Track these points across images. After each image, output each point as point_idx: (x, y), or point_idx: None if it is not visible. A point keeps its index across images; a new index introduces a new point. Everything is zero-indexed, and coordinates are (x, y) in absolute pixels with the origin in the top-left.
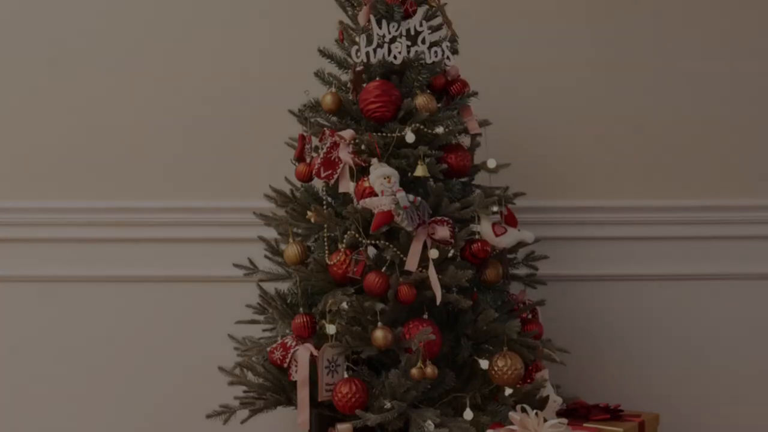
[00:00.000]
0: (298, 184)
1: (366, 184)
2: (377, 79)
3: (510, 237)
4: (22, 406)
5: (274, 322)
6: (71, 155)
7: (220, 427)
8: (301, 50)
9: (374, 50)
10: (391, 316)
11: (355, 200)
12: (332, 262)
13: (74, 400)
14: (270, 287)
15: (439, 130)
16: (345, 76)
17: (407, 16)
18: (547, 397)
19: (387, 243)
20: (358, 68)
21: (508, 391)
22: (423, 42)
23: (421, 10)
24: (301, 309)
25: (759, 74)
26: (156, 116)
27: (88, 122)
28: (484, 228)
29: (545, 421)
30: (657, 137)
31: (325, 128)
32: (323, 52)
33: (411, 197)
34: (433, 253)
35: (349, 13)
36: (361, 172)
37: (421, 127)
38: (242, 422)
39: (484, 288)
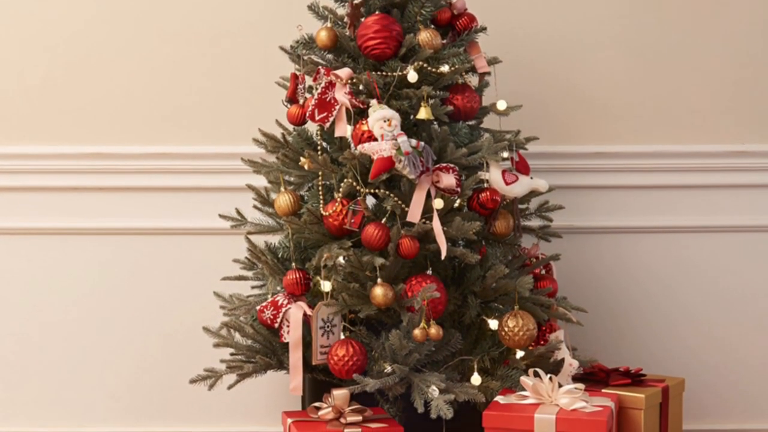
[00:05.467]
0: (291, 127)
1: (364, 128)
2: (376, 12)
3: (521, 185)
4: None
5: (264, 279)
6: (42, 97)
7: (205, 392)
8: None
9: None
10: (391, 272)
11: (352, 145)
12: (327, 213)
13: (48, 358)
14: (259, 240)
15: (444, 68)
16: (341, 10)
17: None
18: (563, 361)
19: (387, 192)
20: (355, 1)
21: (520, 353)
22: None
23: None
24: (293, 264)
25: None
26: (134, 55)
27: (61, 62)
28: (494, 175)
29: (560, 386)
30: (682, 78)
31: (319, 67)
32: None
33: (413, 142)
34: (438, 203)
35: None
36: (358, 114)
37: (425, 65)
38: (229, 388)
39: (494, 241)
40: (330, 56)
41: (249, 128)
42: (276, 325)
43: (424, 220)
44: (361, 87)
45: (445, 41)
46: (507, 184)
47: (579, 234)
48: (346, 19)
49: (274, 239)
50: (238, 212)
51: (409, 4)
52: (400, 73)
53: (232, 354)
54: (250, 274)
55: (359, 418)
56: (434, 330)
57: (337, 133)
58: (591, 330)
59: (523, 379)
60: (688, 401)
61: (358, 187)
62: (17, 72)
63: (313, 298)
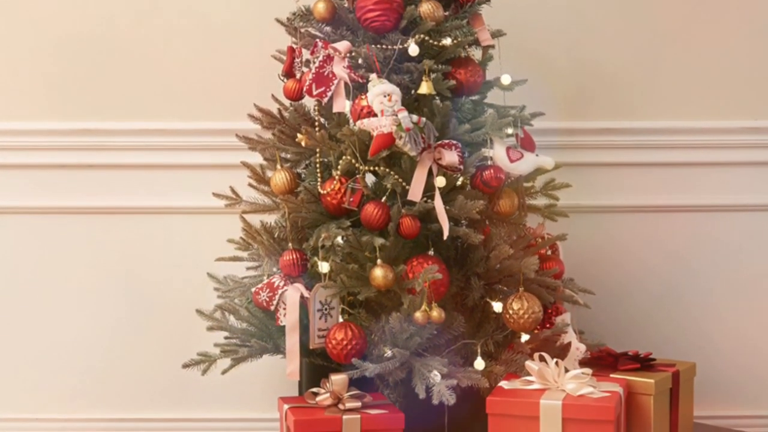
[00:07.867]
0: (287, 102)
1: (363, 103)
2: None
3: (527, 163)
4: None
5: (260, 260)
6: (29, 71)
7: (198, 378)
8: None
9: None
10: (392, 253)
11: (351, 121)
12: (325, 191)
13: (34, 341)
14: (255, 219)
15: (447, 41)
16: None
17: None
18: (569, 344)
19: (387, 169)
20: None
21: (525, 337)
22: None
23: None
24: (290, 244)
25: None
26: (124, 29)
27: (48, 36)
28: (498, 152)
29: (566, 371)
30: (693, 52)
31: (317, 39)
32: None
33: (414, 118)
34: (440, 181)
35: None
36: (357, 89)
37: (426, 38)
38: (223, 372)
39: (498, 221)
40: (328, 29)
41: (244, 103)
42: (272, 308)
43: (425, 198)
44: (360, 61)
45: (447, 13)
46: (511, 161)
47: (586, 213)
48: None
49: (270, 218)
50: (233, 190)
51: None
52: (400, 47)
53: (226, 338)
54: (245, 254)
55: (358, 404)
56: (436, 313)
57: (336, 109)
58: (599, 313)
59: (528, 363)
60: (699, 387)
61: (357, 165)
62: (3, 47)
63: (311, 280)
